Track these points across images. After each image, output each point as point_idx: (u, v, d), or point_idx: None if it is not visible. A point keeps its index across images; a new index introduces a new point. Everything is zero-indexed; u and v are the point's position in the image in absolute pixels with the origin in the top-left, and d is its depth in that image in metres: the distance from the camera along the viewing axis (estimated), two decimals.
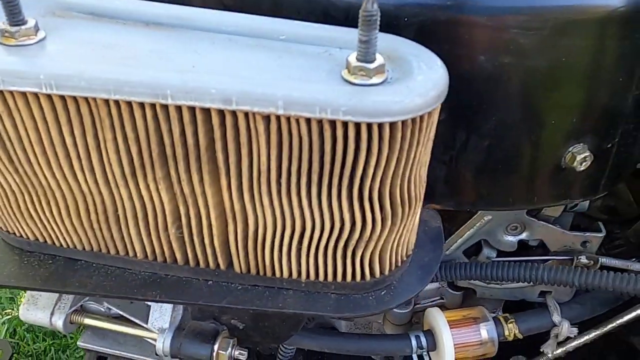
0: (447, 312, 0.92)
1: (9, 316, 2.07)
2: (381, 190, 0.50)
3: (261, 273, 0.58)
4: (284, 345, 0.96)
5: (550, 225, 0.84)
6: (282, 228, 0.53)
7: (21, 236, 0.60)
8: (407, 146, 0.47)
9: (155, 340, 0.72)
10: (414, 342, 0.88)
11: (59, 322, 0.73)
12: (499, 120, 0.64)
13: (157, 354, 0.77)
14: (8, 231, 0.61)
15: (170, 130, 0.47)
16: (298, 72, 0.45)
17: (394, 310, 0.97)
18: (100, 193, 0.53)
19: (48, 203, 0.55)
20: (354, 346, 0.88)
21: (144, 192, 0.52)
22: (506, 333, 0.90)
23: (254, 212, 0.52)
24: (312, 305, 0.57)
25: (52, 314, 0.73)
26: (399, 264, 0.60)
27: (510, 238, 0.87)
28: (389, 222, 0.52)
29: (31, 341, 1.97)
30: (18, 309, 2.12)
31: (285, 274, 0.57)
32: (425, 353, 0.90)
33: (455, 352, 0.87)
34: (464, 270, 0.85)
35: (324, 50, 0.48)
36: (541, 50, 0.55)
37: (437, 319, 0.89)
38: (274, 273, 0.58)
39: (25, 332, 1.99)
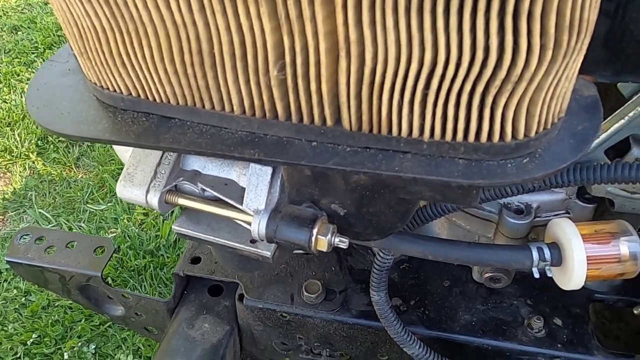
0: (576, 224, 0.78)
1: (114, 234, 2.22)
2: (546, 4, 0.37)
3: (375, 131, 0.49)
4: (382, 253, 0.88)
5: None
6: (407, 63, 0.43)
7: (115, 91, 0.56)
8: None
9: (249, 223, 0.67)
10: (535, 254, 0.76)
11: (154, 200, 0.71)
12: None
13: (251, 241, 0.73)
14: (102, 86, 0.57)
15: None
16: None
17: (509, 220, 0.84)
18: (194, 24, 0.46)
19: (140, 43, 0.49)
20: (464, 254, 0.77)
21: (243, 20, 0.44)
22: None
23: (374, 41, 0.42)
24: (435, 169, 0.47)
25: (147, 191, 0.71)
26: (548, 126, 0.47)
27: None
28: (548, 55, 0.40)
29: (133, 258, 2.10)
30: (122, 228, 2.27)
31: (405, 131, 0.48)
32: (548, 268, 0.77)
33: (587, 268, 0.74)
34: (608, 172, 0.70)
35: None
36: None
37: (566, 229, 0.76)
38: (390, 131, 0.48)
39: (128, 249, 2.12)
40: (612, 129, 0.70)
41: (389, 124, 0.48)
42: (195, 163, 0.73)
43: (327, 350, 1.08)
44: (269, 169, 0.66)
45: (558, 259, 0.76)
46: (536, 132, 0.47)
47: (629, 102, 0.67)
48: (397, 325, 0.93)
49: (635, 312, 0.92)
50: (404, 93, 0.45)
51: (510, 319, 0.96)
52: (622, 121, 0.69)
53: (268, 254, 0.72)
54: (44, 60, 3.09)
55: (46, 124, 0.55)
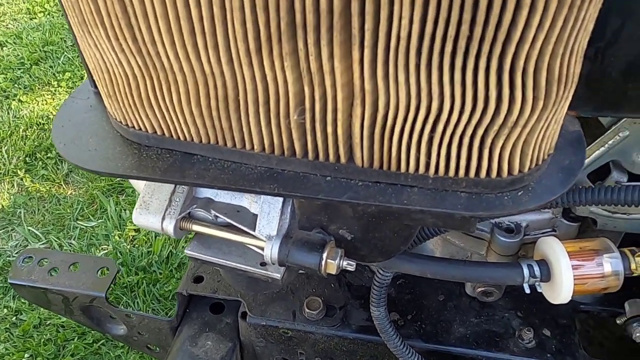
0: (563, 242, 0.84)
1: (105, 251, 2.22)
2: (538, 62, 0.43)
3: (385, 167, 0.54)
4: (381, 271, 0.93)
5: None
6: (415, 110, 0.48)
7: (140, 129, 0.60)
8: (579, 3, 0.40)
9: (261, 248, 0.72)
10: (526, 271, 0.82)
11: (169, 227, 0.74)
12: None
13: (261, 264, 0.77)
14: (127, 125, 0.61)
15: None
16: None
17: (500, 238, 0.90)
18: (222, 74, 0.51)
19: (169, 88, 0.54)
20: (461, 272, 0.83)
21: (268, 72, 0.49)
22: (633, 267, 0.81)
23: (387, 91, 0.47)
24: (440, 202, 0.53)
25: (163, 218, 0.74)
26: (540, 162, 0.53)
27: None
28: (540, 104, 0.46)
29: (125, 274, 2.10)
30: (113, 245, 2.26)
31: (412, 168, 0.53)
32: (537, 284, 0.83)
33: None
34: (592, 195, 0.76)
35: None
36: None
37: (554, 247, 0.82)
38: (399, 167, 0.53)
39: (120, 266, 2.13)
40: (593, 155, 0.77)
41: (398, 162, 0.53)
42: (208, 191, 0.77)
43: None
44: (280, 198, 0.70)
45: (547, 275, 0.81)
46: (529, 168, 0.52)
47: (609, 131, 0.74)
48: (396, 339, 0.97)
49: (617, 321, 0.98)
50: (412, 135, 0.50)
51: (502, 330, 1.01)
52: (603, 148, 0.75)
53: (278, 276, 0.76)
54: (30, 77, 3.08)
55: (75, 160, 0.59)
